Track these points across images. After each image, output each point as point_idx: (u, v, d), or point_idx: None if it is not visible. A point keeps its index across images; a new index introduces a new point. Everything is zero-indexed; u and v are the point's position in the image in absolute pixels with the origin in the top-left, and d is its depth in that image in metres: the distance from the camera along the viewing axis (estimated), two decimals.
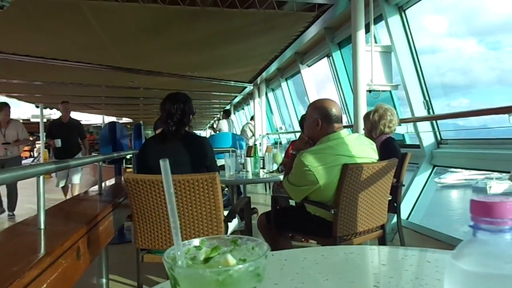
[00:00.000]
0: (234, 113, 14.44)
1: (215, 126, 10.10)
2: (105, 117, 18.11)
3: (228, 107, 13.89)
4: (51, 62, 5.94)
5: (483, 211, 0.36)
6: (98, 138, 8.15)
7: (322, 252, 1.01)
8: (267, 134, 10.01)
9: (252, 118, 9.69)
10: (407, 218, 3.93)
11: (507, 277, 0.34)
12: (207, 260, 0.41)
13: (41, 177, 1.65)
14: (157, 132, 4.03)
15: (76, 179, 6.19)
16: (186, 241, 0.43)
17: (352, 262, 0.93)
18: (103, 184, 3.65)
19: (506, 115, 2.66)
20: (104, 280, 2.69)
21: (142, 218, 2.11)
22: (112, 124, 4.53)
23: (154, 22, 4.47)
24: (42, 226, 1.68)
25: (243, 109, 14.80)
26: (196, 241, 0.45)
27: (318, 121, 2.23)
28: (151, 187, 2.03)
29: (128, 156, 4.98)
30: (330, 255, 0.99)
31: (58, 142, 5.97)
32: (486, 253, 0.36)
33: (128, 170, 6.10)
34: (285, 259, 0.95)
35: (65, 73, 7.04)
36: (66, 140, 6.01)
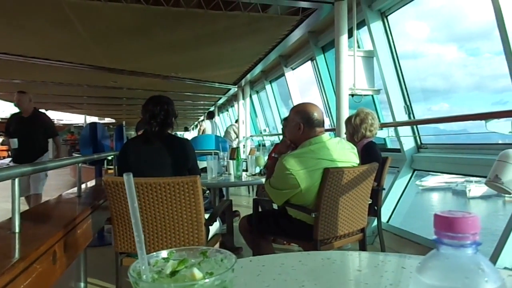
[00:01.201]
0: (218, 115, 14.41)
1: (199, 127, 10.04)
2: (87, 117, 17.84)
3: (212, 108, 13.85)
4: (31, 60, 5.82)
5: (445, 226, 0.36)
6: (79, 138, 7.95)
7: (300, 257, 1.01)
8: (251, 136, 10.01)
9: (237, 121, 9.70)
10: (388, 221, 3.98)
11: None
12: (173, 273, 0.40)
13: (16, 180, 1.61)
14: (138, 133, 3.99)
15: (39, 188, 4.83)
16: (154, 253, 0.43)
17: (328, 268, 0.94)
18: (83, 186, 3.59)
19: (483, 121, 2.72)
20: (82, 284, 2.64)
21: (121, 221, 2.08)
22: (93, 124, 4.46)
23: (137, 22, 4.43)
24: (17, 230, 1.64)
25: (227, 110, 14.78)
26: (164, 253, 0.44)
27: (300, 125, 2.24)
28: None
29: (109, 157, 4.90)
30: (307, 260, 0.99)
31: (14, 143, 4.70)
32: (448, 267, 0.37)
33: (109, 171, 5.99)
34: (263, 265, 0.95)
35: (46, 72, 6.91)
36: (26, 140, 4.72)
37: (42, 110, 5.83)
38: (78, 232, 2.05)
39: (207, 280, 0.38)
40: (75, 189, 2.94)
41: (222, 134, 10.29)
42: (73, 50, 5.60)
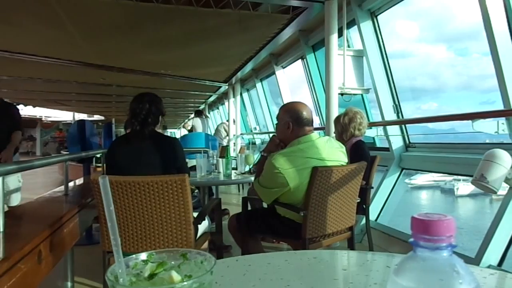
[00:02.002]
0: (209, 113, 14.36)
1: (188, 124, 10.02)
2: (76, 114, 17.67)
3: (202, 106, 13.80)
4: (18, 56, 5.74)
5: (421, 229, 0.37)
6: (67, 136, 7.84)
7: (286, 257, 1.01)
8: (241, 134, 10.01)
9: (228, 120, 9.69)
10: (376, 220, 4.02)
11: None
12: (151, 276, 0.40)
13: (1, 178, 1.58)
14: (127, 131, 3.96)
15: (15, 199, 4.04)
16: (133, 255, 0.42)
17: (314, 267, 0.94)
18: (71, 184, 3.55)
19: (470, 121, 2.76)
20: (69, 283, 2.62)
21: None
22: (81, 122, 4.41)
23: (126, 19, 4.39)
24: (1, 229, 1.61)
25: (217, 108, 14.75)
26: (143, 255, 0.44)
27: (289, 124, 2.25)
28: (118, 189, 1.99)
29: (98, 155, 4.86)
30: (293, 260, 0.99)
31: None
32: (424, 269, 0.37)
33: (98, 169, 5.93)
34: (249, 265, 0.95)
35: (33, 68, 6.81)
36: None
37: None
38: (64, 231, 2.03)
39: (185, 283, 0.38)
40: (62, 188, 2.91)
41: (213, 132, 10.27)
42: (61, 46, 5.53)
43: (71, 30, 4.62)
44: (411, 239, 0.38)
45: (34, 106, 14.78)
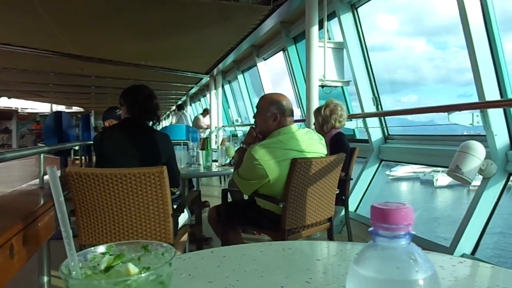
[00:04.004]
0: (191, 105, 14.24)
1: (173, 121, 9.94)
2: (54, 105, 17.27)
3: (184, 98, 13.67)
4: None
5: (380, 218, 0.37)
6: (43, 127, 7.62)
7: (261, 248, 1.01)
8: (223, 126, 9.97)
9: (205, 110, 9.62)
10: (355, 211, 4.07)
11: (397, 282, 0.35)
12: (108, 269, 0.39)
13: None
14: (106, 124, 3.88)
15: None
16: (92, 248, 0.41)
17: (288, 258, 0.95)
18: (47, 177, 3.46)
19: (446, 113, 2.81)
20: (45, 278, 2.56)
21: (85, 213, 2.03)
22: (57, 113, 4.30)
23: (104, 8, 4.28)
24: None
25: (199, 100, 14.64)
26: (102, 248, 0.43)
27: (277, 116, 2.23)
28: (95, 181, 1.95)
29: (76, 147, 4.76)
30: (268, 251, 0.99)
31: None
32: (382, 258, 0.37)
33: (76, 161, 5.81)
34: (224, 256, 0.94)
35: (7, 58, 6.60)
36: None
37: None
38: (39, 225, 1.98)
39: (141, 275, 0.37)
40: (37, 181, 2.84)
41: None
42: (36, 35, 5.36)
43: (45, 18, 4.48)
44: (371, 228, 0.38)
45: (9, 98, 14.36)
